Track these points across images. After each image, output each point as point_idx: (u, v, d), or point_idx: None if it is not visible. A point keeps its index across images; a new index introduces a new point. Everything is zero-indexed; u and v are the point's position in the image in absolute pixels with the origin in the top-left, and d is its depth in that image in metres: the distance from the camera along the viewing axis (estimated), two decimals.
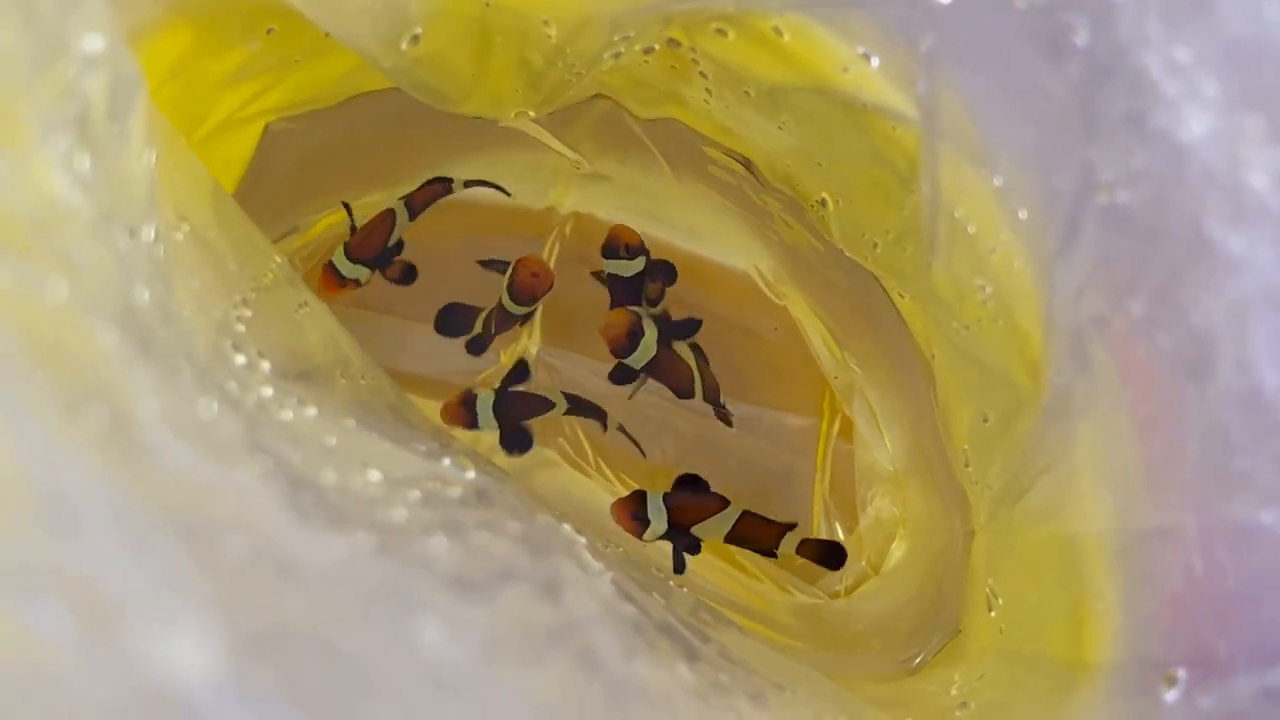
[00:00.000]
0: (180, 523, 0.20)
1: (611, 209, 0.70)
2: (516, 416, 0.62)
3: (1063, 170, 0.29)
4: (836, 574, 0.67)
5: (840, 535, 0.69)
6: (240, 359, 0.35)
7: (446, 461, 0.37)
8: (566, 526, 0.40)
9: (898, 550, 0.67)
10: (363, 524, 0.24)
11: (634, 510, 0.59)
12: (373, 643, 0.20)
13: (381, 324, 0.70)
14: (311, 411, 0.34)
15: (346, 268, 0.59)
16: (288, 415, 0.33)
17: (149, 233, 0.28)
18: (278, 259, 0.45)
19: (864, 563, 0.68)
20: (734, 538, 0.60)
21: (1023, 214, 0.33)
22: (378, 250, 0.60)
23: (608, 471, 0.67)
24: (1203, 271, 0.24)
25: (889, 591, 0.65)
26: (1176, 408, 0.28)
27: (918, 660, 0.54)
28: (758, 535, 0.60)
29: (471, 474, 0.37)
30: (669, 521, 0.59)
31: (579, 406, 0.63)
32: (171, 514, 0.20)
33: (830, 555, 0.62)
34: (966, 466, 0.50)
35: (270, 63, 0.48)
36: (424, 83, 0.45)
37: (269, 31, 0.45)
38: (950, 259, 0.38)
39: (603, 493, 0.68)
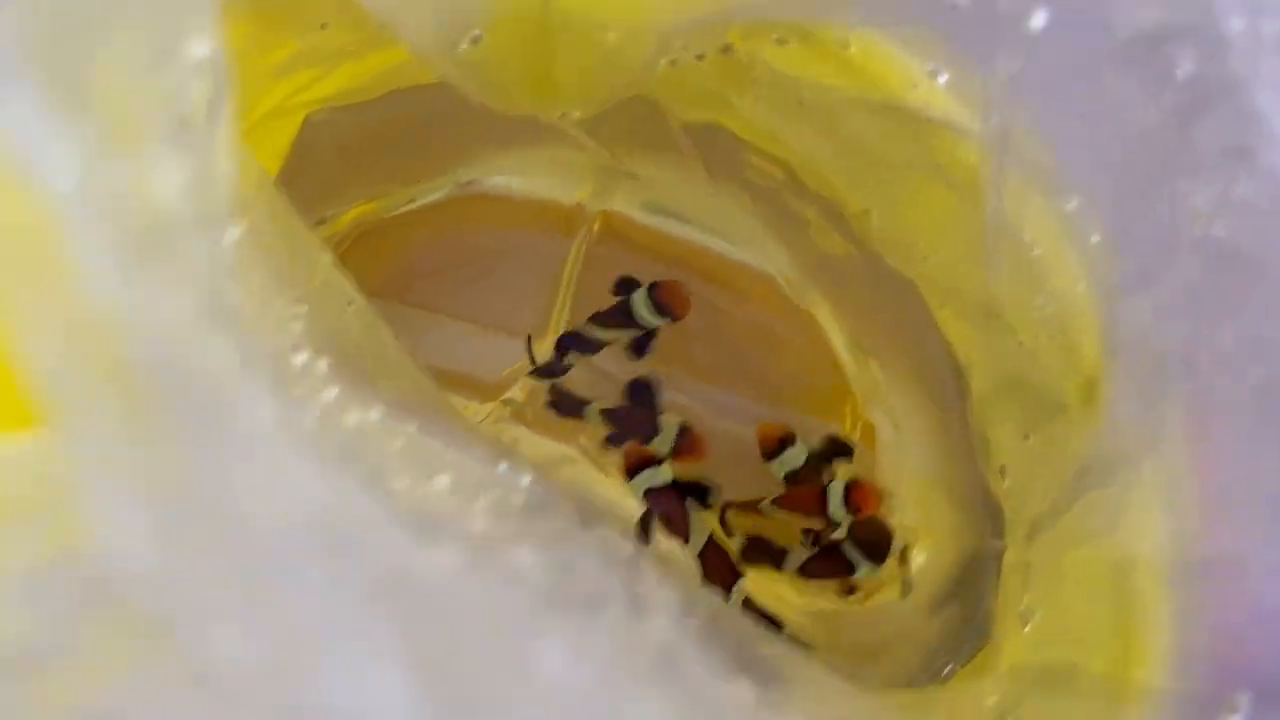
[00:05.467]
0: (321, 540, 0.20)
1: (640, 207, 0.70)
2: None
3: (1147, 197, 0.29)
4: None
5: None
6: (300, 358, 0.35)
7: (504, 467, 0.37)
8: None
9: (919, 557, 0.67)
10: (451, 535, 0.24)
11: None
12: (497, 664, 0.20)
13: (415, 319, 0.70)
14: (375, 415, 0.34)
15: None
16: (353, 419, 0.32)
17: (232, 234, 0.28)
18: (326, 256, 0.45)
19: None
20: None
21: (1095, 238, 0.33)
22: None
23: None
24: None
25: (912, 594, 0.65)
26: (1255, 442, 0.28)
27: (947, 670, 0.54)
28: None
29: (527, 479, 0.37)
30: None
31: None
32: (311, 525, 0.20)
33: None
34: (1004, 480, 0.50)
35: (320, 56, 0.47)
36: (478, 81, 0.45)
37: (323, 26, 0.44)
38: (1011, 278, 0.38)
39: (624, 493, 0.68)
